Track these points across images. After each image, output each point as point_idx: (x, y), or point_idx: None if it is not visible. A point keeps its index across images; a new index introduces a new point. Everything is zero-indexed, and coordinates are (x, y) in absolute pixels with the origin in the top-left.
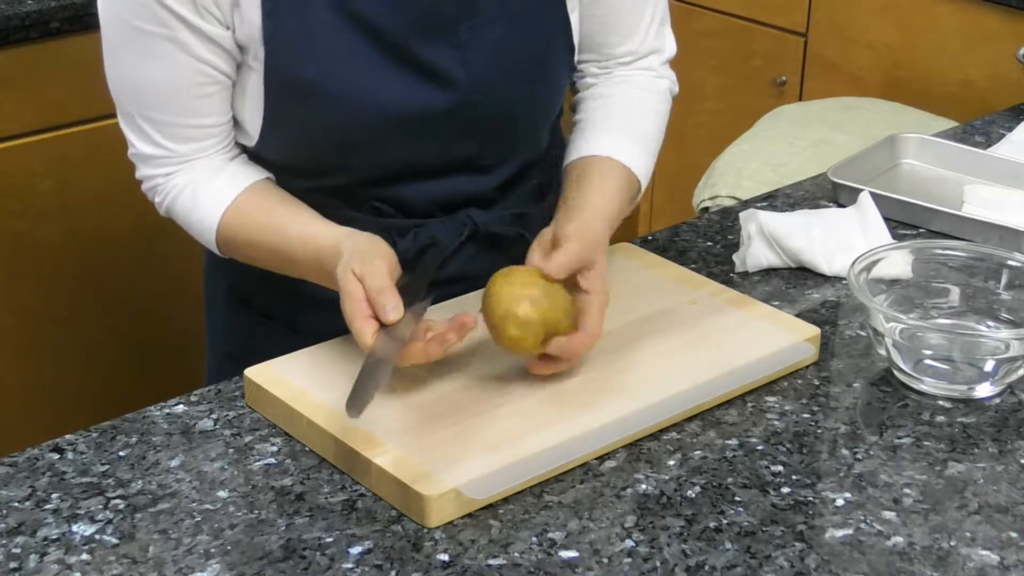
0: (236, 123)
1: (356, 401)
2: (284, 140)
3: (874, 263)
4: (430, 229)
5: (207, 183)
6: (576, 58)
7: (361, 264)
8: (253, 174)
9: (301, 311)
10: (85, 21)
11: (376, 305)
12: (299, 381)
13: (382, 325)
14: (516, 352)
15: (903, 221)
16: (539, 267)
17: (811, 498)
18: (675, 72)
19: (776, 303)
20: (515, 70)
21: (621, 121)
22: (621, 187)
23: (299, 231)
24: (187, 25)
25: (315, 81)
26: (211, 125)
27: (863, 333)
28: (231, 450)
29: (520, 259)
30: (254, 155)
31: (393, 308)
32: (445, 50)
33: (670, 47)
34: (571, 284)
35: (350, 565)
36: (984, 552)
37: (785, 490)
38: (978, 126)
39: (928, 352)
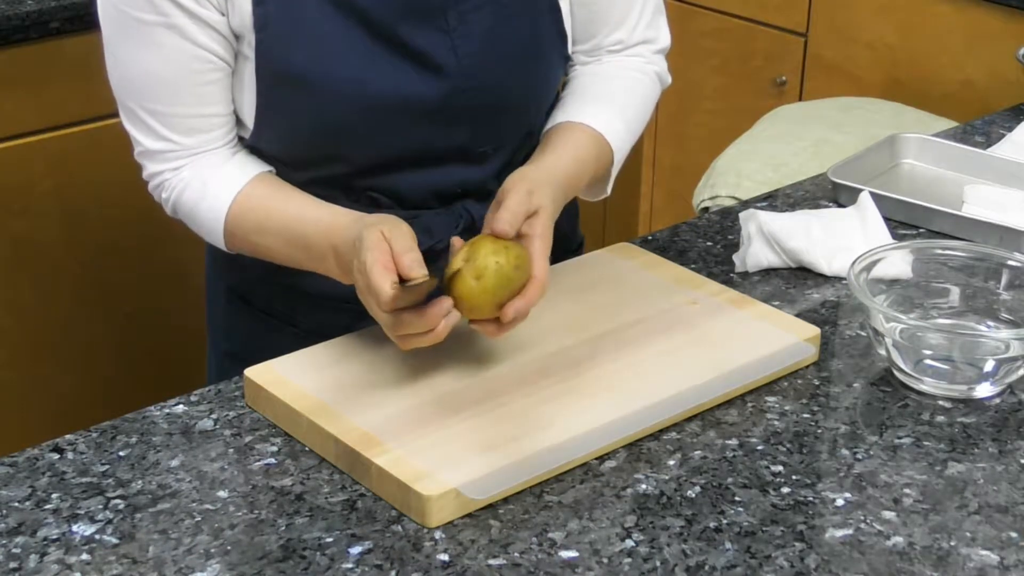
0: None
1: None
2: (278, 130)
3: (874, 263)
4: (425, 221)
5: (216, 171)
6: (570, 48)
7: (390, 228)
8: (259, 166)
9: (301, 309)
10: (85, 21)
11: (402, 263)
12: (299, 381)
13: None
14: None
15: (903, 221)
16: (492, 230)
17: (811, 498)
18: (675, 72)
19: (776, 303)
20: (505, 56)
21: (600, 94)
22: (586, 145)
23: (314, 210)
24: (183, 11)
25: (305, 70)
26: (214, 115)
27: (863, 333)
28: (231, 450)
29: None
30: (251, 148)
31: (418, 265)
32: (434, 36)
33: (664, 39)
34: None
35: (350, 565)
36: (984, 552)
37: (785, 490)
38: (978, 126)
39: (928, 352)
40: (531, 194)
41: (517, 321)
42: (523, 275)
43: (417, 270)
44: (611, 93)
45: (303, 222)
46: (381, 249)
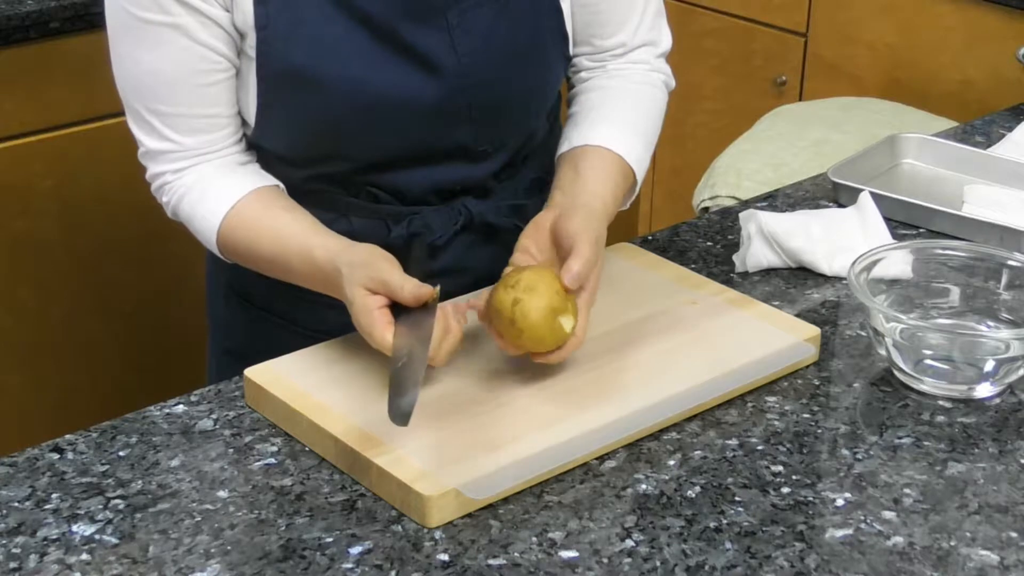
0: None
1: (399, 406)
2: (278, 128)
3: (874, 263)
4: (424, 217)
5: (214, 182)
6: (571, 50)
7: (368, 274)
8: (262, 180)
9: (300, 307)
10: (85, 21)
11: (405, 295)
12: (299, 381)
13: (397, 316)
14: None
15: (903, 221)
16: (562, 282)
17: (811, 498)
18: (675, 72)
19: (776, 303)
20: (505, 55)
21: (616, 112)
22: (619, 180)
23: (297, 243)
24: (189, 9)
25: (306, 69)
26: (218, 115)
27: (863, 333)
28: (231, 450)
29: None
30: (253, 145)
31: (419, 288)
32: (434, 35)
33: (665, 41)
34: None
35: (350, 565)
36: (984, 552)
37: (785, 490)
38: (978, 126)
39: (928, 352)
40: (599, 245)
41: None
42: (549, 347)
43: (424, 292)
44: (628, 112)
45: (287, 255)
46: (369, 308)
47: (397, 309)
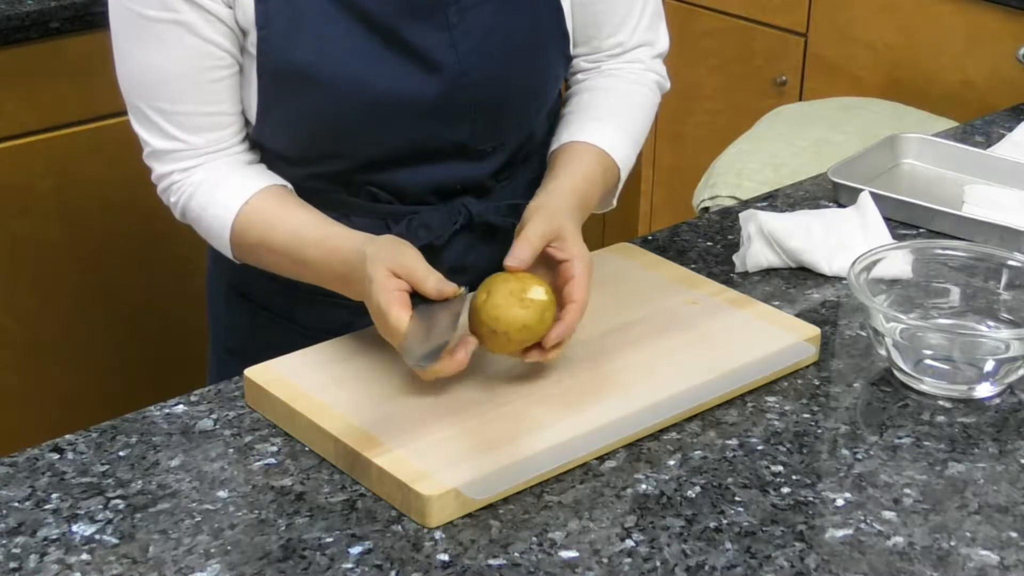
0: None
1: (426, 351)
2: (278, 126)
3: (874, 263)
4: (424, 217)
5: (224, 180)
6: (571, 50)
7: (396, 258)
8: (271, 178)
9: (301, 305)
10: (85, 21)
11: (428, 288)
12: (299, 381)
13: (416, 306)
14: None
15: (903, 221)
16: (505, 265)
17: (811, 498)
18: (675, 72)
19: (776, 303)
20: (505, 53)
21: (604, 110)
22: (593, 165)
23: (314, 233)
24: (192, 5)
25: (306, 67)
26: (223, 113)
27: (863, 333)
28: (231, 450)
29: None
30: (254, 143)
31: (445, 283)
32: (434, 33)
33: (662, 42)
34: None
35: (350, 565)
36: (984, 552)
37: (785, 490)
38: (978, 126)
39: (928, 352)
40: (550, 220)
41: (561, 346)
42: (543, 326)
43: (448, 287)
44: (613, 109)
45: (303, 245)
46: (390, 287)
47: (413, 302)
